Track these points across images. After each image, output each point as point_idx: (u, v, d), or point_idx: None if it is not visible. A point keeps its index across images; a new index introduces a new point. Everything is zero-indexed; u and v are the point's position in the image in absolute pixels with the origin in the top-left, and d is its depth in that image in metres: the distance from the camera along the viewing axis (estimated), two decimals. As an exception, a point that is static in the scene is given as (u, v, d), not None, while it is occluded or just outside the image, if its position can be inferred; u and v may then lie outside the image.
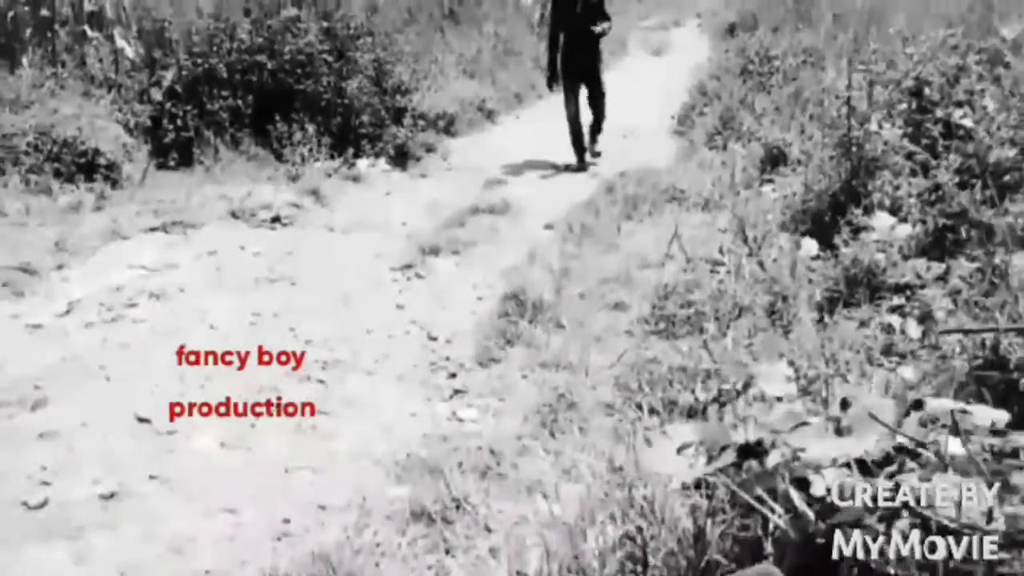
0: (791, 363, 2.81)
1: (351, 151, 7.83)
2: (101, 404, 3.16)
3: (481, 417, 3.24)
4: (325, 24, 8.13)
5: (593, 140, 7.95)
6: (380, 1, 9.12)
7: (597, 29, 7.26)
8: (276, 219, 5.91)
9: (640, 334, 3.68)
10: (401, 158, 8.07)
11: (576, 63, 7.45)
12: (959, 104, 4.75)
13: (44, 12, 8.46)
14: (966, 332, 2.63)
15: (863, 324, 3.20)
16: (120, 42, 8.43)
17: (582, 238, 5.25)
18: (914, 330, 3.09)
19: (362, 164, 7.70)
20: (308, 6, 8.13)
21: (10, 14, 8.45)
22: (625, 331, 3.80)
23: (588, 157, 7.77)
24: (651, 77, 14.22)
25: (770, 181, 6.11)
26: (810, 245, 4.11)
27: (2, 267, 4.41)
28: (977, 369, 2.48)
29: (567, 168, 7.59)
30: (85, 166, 6.83)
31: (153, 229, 5.36)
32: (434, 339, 3.98)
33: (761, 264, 3.64)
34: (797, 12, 13.32)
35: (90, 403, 3.16)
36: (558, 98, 10.86)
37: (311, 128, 7.66)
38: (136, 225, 5.34)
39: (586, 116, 7.87)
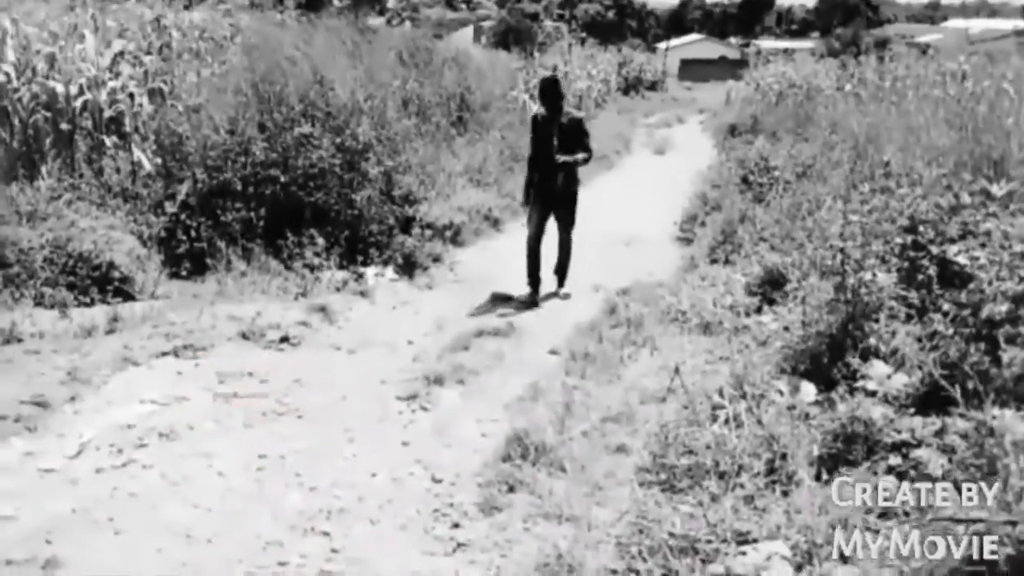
0: (787, 538, 2.85)
1: (360, 259, 8.01)
2: (110, 566, 3.18)
3: (483, 576, 3.26)
4: (337, 139, 8.39)
5: (560, 281, 7.45)
6: (391, 114, 9.35)
7: (568, 159, 7.00)
8: (285, 339, 6.00)
9: (641, 485, 3.71)
10: (409, 267, 8.23)
11: (550, 188, 7.13)
12: (952, 240, 4.88)
13: (64, 125, 8.76)
14: (956, 521, 2.68)
15: (861, 487, 3.24)
16: (138, 154, 8.71)
17: (585, 367, 5.32)
18: (911, 496, 3.13)
19: (370, 273, 7.86)
20: (321, 122, 8.38)
21: (31, 123, 8.76)
22: (627, 479, 3.84)
23: (559, 291, 7.37)
24: (654, 178, 14.57)
25: (771, 302, 6.23)
26: (808, 390, 4.17)
27: (17, 400, 4.48)
28: (967, 561, 2.51)
29: (521, 303, 7.11)
30: (99, 279, 6.98)
31: (164, 354, 5.44)
32: (438, 481, 4.01)
33: (760, 421, 3.70)
34: (796, 119, 13.63)
35: (100, 565, 3.19)
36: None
37: (321, 240, 7.84)
38: (148, 350, 5.42)
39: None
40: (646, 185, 13.78)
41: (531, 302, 7.13)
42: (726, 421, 3.92)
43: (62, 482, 3.81)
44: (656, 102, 33.14)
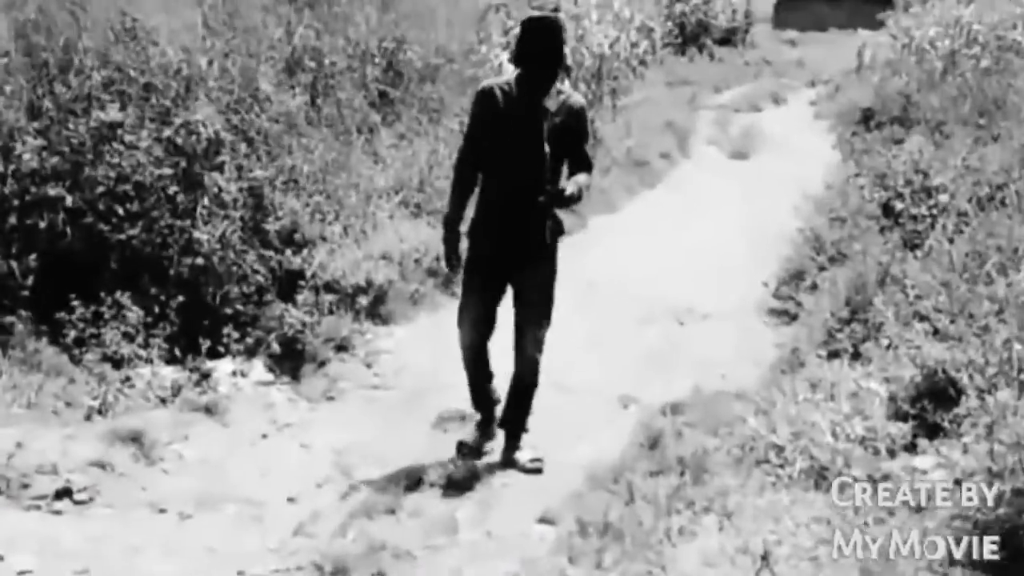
0: None
1: (206, 346, 8.00)
2: None
3: None
4: (164, 132, 8.42)
5: (514, 441, 6.74)
6: (265, 88, 9.45)
7: (568, 190, 6.16)
8: (66, 493, 6.02)
9: None
10: (292, 361, 8.26)
11: (502, 242, 6.41)
12: None
13: None
14: None
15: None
16: None
17: (603, 550, 5.32)
18: None
19: (223, 371, 7.92)
20: (138, 103, 8.45)
21: None
22: None
23: (516, 457, 6.66)
24: (729, 203, 14.74)
25: (934, 433, 6.26)
26: (998, 597, 4.18)
27: None
28: None
29: (464, 453, 6.68)
30: None
31: None
32: None
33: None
34: (976, 102, 13.89)
35: None
36: (597, 245, 11.61)
37: (136, 311, 7.84)
38: None
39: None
40: (715, 214, 13.94)
41: (475, 447, 6.75)
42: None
43: None
44: (734, 67, 33.57)
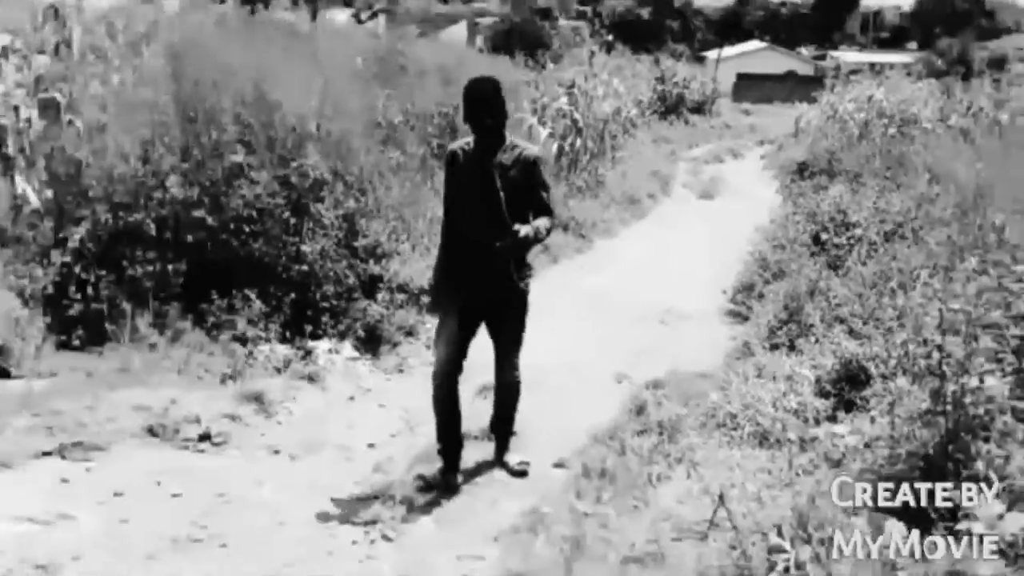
0: None
1: (309, 330, 8.09)
2: None
3: None
4: (281, 172, 8.53)
5: (503, 445, 6.03)
6: (355, 143, 9.54)
7: (529, 231, 5.35)
8: (206, 437, 6.08)
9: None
10: (373, 343, 8.34)
11: (474, 282, 5.55)
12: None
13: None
14: None
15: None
16: (22, 185, 8.82)
17: (602, 487, 5.38)
18: None
19: (321, 349, 7.94)
20: (261, 151, 8.54)
21: None
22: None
23: (506, 459, 5.96)
24: (698, 231, 14.86)
25: (848, 407, 6.30)
26: (895, 531, 4.20)
27: None
28: None
29: (424, 489, 5.56)
30: (-36, 350, 7.06)
31: (46, 454, 5.51)
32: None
33: (830, 574, 3.73)
34: (885, 160, 13.91)
35: None
36: (599, 261, 11.27)
37: (258, 304, 7.93)
38: (25, 448, 5.48)
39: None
40: (689, 240, 14.01)
41: (447, 485, 5.60)
42: (786, 571, 3.94)
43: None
44: (703, 129, 33.67)
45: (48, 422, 5.86)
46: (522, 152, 5.52)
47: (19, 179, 8.84)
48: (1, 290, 7.66)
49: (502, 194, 5.34)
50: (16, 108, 9.23)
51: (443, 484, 5.59)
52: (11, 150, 9.12)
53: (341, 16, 27.57)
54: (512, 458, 5.93)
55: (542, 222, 5.47)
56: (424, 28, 25.37)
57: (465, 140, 5.61)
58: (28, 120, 9.31)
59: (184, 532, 4.80)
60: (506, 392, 5.92)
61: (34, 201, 8.71)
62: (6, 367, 7.14)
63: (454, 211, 5.62)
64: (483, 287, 5.54)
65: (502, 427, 6.02)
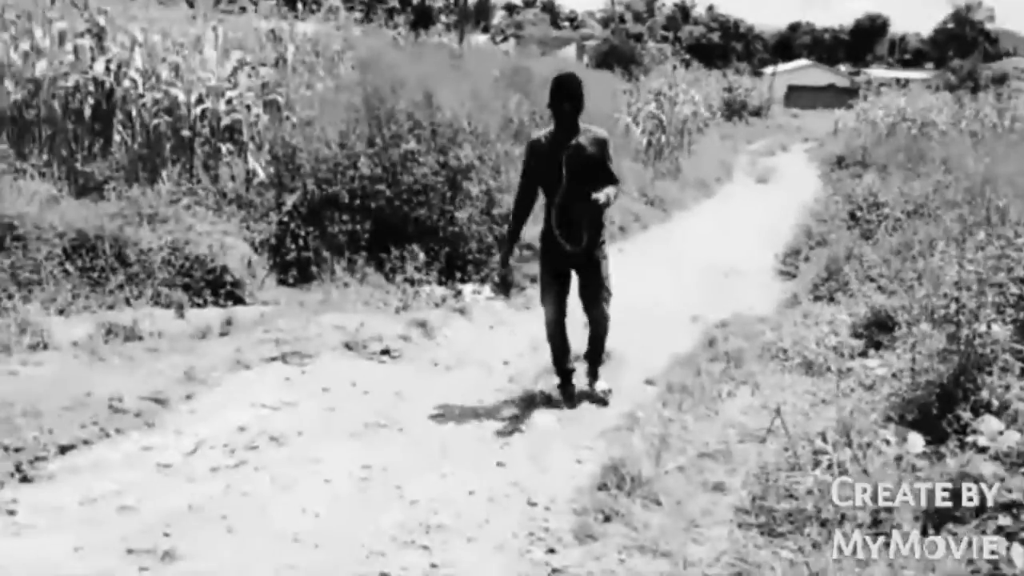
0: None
1: (458, 276, 8.23)
2: (224, 563, 3.40)
3: (578, 604, 3.35)
4: (441, 157, 8.64)
5: (592, 373, 5.64)
6: (493, 135, 9.57)
7: (600, 198, 5.03)
8: (386, 352, 6.21)
9: (739, 527, 3.74)
10: (505, 287, 8.31)
11: (561, 245, 5.26)
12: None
13: (185, 132, 9.26)
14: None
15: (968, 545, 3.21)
16: (252, 163, 9.13)
17: (682, 400, 5.35)
18: (1019, 559, 3.09)
19: (467, 291, 8.06)
20: (426, 140, 8.65)
21: (153, 128, 9.28)
22: (724, 518, 3.86)
23: (593, 386, 5.59)
24: (755, 208, 14.47)
25: (878, 346, 6.14)
26: (916, 441, 4.10)
27: (137, 396, 4.79)
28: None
29: (544, 401, 5.48)
30: (213, 282, 7.37)
31: (273, 359, 5.72)
32: (533, 505, 4.11)
33: (865, 471, 3.69)
34: (907, 154, 13.34)
35: (215, 560, 3.40)
36: (677, 229, 10.97)
37: (422, 255, 8.10)
38: (258, 354, 5.71)
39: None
40: (747, 215, 13.68)
41: (566, 399, 5.50)
42: (829, 467, 3.91)
43: (179, 478, 4.07)
44: (760, 129, 32.78)
45: (274, 336, 6.08)
46: (595, 133, 5.21)
47: (251, 159, 9.15)
48: (238, 240, 7.96)
49: (564, 172, 5.08)
50: (248, 107, 9.53)
51: (563, 395, 5.54)
52: (244, 137, 9.43)
53: (481, 38, 27.55)
54: (599, 385, 5.57)
55: (611, 189, 5.15)
56: (543, 48, 25.19)
57: (543, 132, 5.33)
58: (257, 116, 9.61)
59: (373, 419, 4.96)
60: (595, 326, 5.53)
61: (261, 175, 9.01)
62: (242, 296, 7.45)
63: (531, 193, 5.36)
64: (567, 246, 5.22)
65: (593, 358, 5.63)
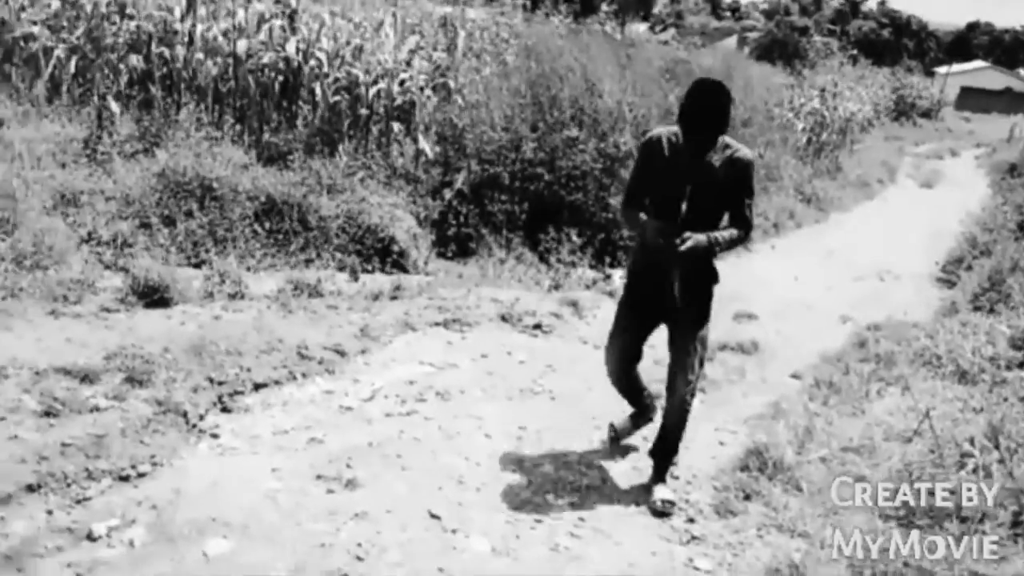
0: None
1: (608, 261, 8.48)
2: (400, 494, 3.83)
3: (716, 569, 3.57)
4: (600, 144, 8.90)
5: (658, 475, 4.19)
6: (653, 125, 9.71)
7: (700, 242, 3.69)
8: (538, 326, 6.53)
9: (879, 518, 3.85)
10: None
11: (656, 285, 3.94)
12: None
13: (362, 110, 9.90)
14: None
15: None
16: (422, 142, 9.67)
17: (828, 395, 5.43)
18: None
19: (617, 275, 8.27)
20: (587, 127, 8.92)
21: (333, 105, 9.98)
22: (864, 507, 3.97)
23: (653, 490, 4.09)
24: (917, 212, 14.00)
25: (1038, 363, 5.98)
26: (1071, 453, 4.09)
27: (320, 346, 5.32)
28: None
29: (611, 437, 4.61)
30: (381, 250, 7.94)
31: (437, 324, 6.15)
32: (676, 477, 4.34)
33: (1011, 474, 3.72)
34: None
35: (391, 491, 3.84)
36: (832, 228, 10.80)
37: (576, 239, 8.39)
38: (424, 318, 6.17)
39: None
40: (908, 219, 13.27)
41: (622, 433, 4.60)
42: (974, 470, 3.95)
43: (358, 419, 4.54)
44: (928, 131, 31.25)
45: (437, 304, 6.53)
46: (735, 152, 3.80)
47: (420, 138, 9.69)
48: (405, 213, 8.51)
49: (686, 198, 3.74)
50: (421, 88, 10.08)
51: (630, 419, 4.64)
52: (416, 117, 9.99)
53: (641, 27, 27.48)
54: (660, 492, 4.08)
55: (726, 233, 3.82)
56: (703, 39, 24.92)
57: (667, 131, 3.89)
58: (428, 97, 10.15)
59: (527, 386, 5.30)
60: (673, 412, 4.13)
61: (429, 154, 9.54)
62: (405, 265, 7.98)
63: (645, 198, 3.91)
64: (660, 286, 3.91)
65: (661, 452, 4.22)
